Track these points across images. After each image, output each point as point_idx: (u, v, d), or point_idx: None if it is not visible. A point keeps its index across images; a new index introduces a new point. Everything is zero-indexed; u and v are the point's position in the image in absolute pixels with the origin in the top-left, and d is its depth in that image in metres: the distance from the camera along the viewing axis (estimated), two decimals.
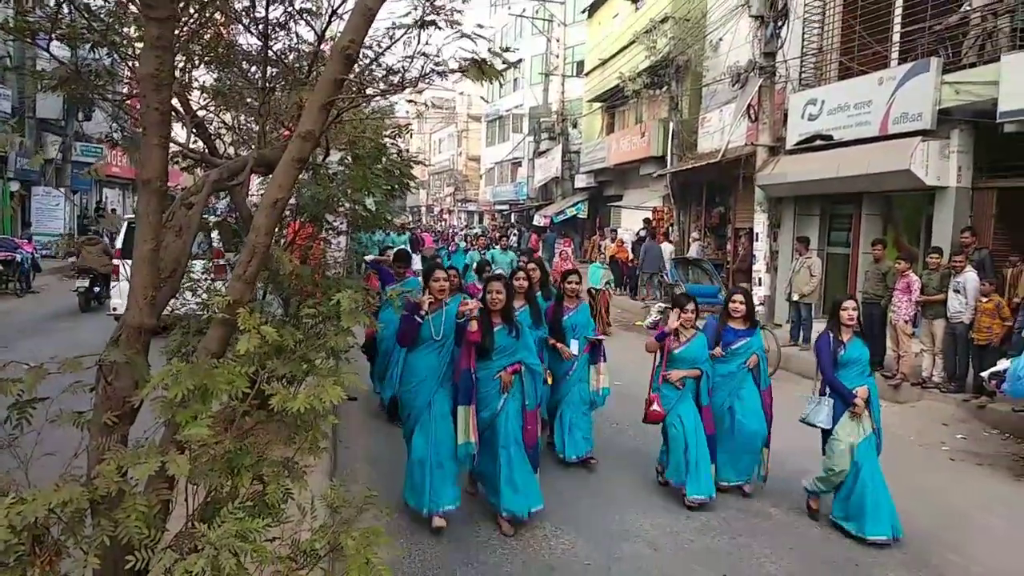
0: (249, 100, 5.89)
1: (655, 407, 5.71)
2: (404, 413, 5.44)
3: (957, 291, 9.08)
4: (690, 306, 5.86)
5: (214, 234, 7.31)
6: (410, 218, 42.15)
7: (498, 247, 16.98)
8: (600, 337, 6.81)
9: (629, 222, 23.61)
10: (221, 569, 1.78)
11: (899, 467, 7.04)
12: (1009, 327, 8.66)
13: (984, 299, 8.76)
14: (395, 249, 9.16)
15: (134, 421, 2.38)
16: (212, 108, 6.05)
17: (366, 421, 7.70)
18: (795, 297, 12.02)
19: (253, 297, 6.17)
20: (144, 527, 1.91)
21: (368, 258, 9.61)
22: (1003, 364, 7.20)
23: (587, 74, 28.06)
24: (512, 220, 39.28)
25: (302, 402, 2.08)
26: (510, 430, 5.20)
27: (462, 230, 38.70)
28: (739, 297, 6.10)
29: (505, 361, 5.21)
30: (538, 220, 31.06)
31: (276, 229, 7.66)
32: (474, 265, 10.71)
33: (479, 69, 3.08)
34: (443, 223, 48.97)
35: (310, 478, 5.04)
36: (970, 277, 9.00)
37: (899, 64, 11.73)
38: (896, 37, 12.13)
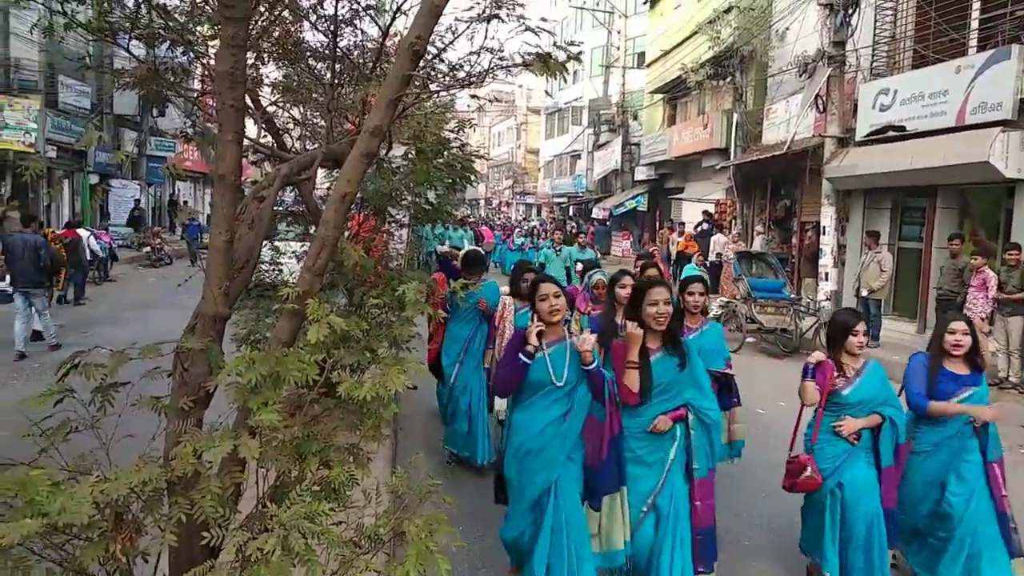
0: (316, 96, 6.02)
1: (809, 473, 3.92)
2: (512, 502, 3.77)
3: None
4: (697, 287, 4.72)
5: None
6: (469, 211, 42.36)
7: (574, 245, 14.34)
8: (730, 371, 4.76)
9: (690, 215, 23.26)
10: (291, 549, 1.85)
11: None
12: None
13: None
14: (464, 251, 7.66)
15: (208, 406, 2.48)
16: (281, 104, 6.22)
17: (425, 411, 7.81)
18: (864, 293, 11.69)
19: (322, 288, 6.35)
20: (218, 507, 2.00)
21: (441, 248, 9.20)
22: None
23: (648, 65, 27.72)
24: (570, 213, 39.13)
25: (368, 390, 2.14)
26: (678, 514, 3.56)
27: (521, 222, 38.18)
28: (960, 326, 4.06)
29: (666, 406, 3.61)
30: (597, 213, 30.89)
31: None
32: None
33: (544, 63, 3.09)
34: (501, 215, 49.05)
35: (372, 465, 5.17)
36: None
37: (978, 52, 11.24)
38: (975, 24, 11.63)
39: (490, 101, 4.25)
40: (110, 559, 1.94)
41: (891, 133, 12.56)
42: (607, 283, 5.50)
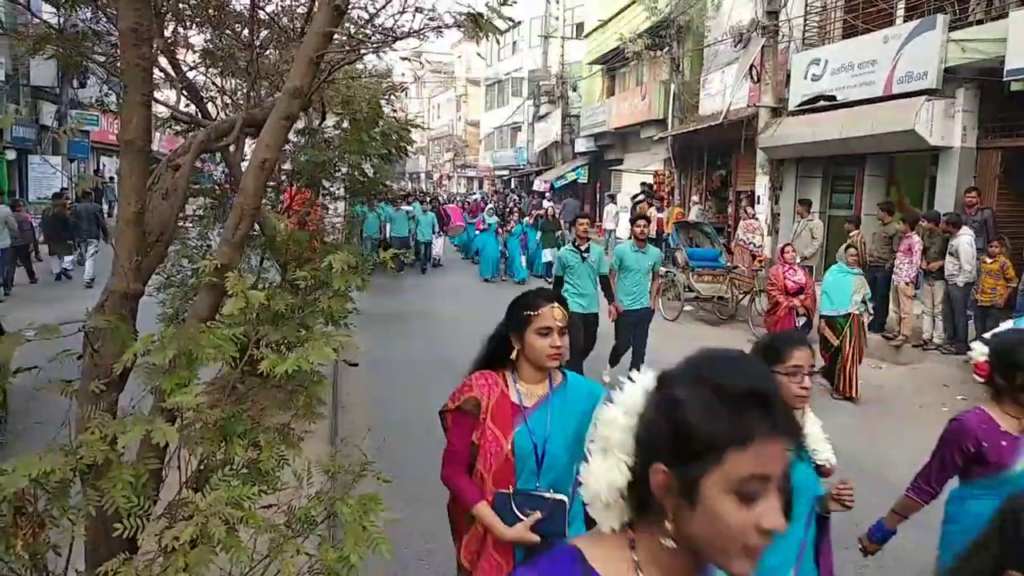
0: (241, 61, 5.76)
1: None
2: None
3: (951, 253, 9.01)
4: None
5: None
6: (409, 185, 41.71)
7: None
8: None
9: (630, 186, 23.41)
10: (211, 536, 1.74)
11: (898, 427, 7.07)
12: (1014, 288, 8.59)
13: (988, 260, 8.68)
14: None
15: (123, 389, 2.33)
16: (205, 71, 5.92)
17: (368, 388, 7.68)
18: (797, 260, 11.94)
19: (248, 263, 6.12)
20: (132, 496, 1.87)
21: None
22: (1006, 325, 7.15)
23: (587, 36, 27.62)
24: (512, 185, 38.99)
25: (290, 364, 2.02)
26: None
27: (493, 196, 35.29)
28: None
29: None
30: (538, 185, 30.83)
31: (274, 195, 7.59)
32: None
33: (475, 24, 2.97)
34: (443, 189, 48.50)
35: (309, 445, 5.03)
36: (963, 240, 8.91)
37: (905, 22, 11.50)
38: None
39: (421, 65, 4.09)
40: (13, 556, 1.80)
41: (822, 103, 12.80)
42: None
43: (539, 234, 17.58)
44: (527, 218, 19.06)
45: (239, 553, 1.85)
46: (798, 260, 11.84)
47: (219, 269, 2.29)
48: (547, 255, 16.87)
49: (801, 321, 7.85)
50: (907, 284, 9.58)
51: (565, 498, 2.40)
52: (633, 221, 8.10)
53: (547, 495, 2.38)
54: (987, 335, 7.55)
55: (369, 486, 2.61)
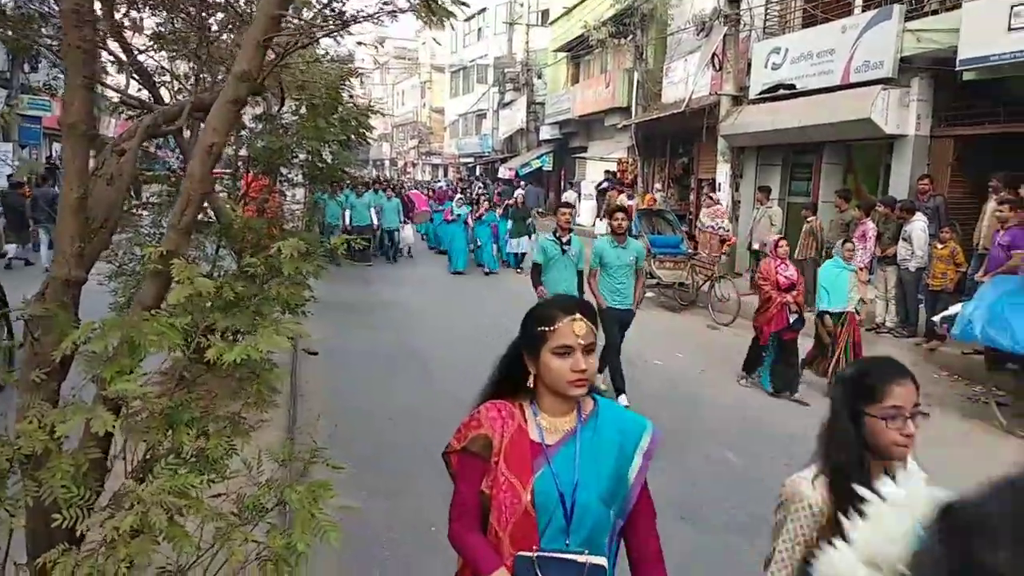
0: (193, 46, 5.64)
1: None
2: None
3: (904, 239, 9.22)
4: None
5: None
6: (374, 172, 41.29)
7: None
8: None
9: (594, 174, 23.49)
10: (152, 526, 1.71)
11: None
12: (963, 273, 8.82)
13: (940, 245, 8.89)
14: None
15: (65, 378, 2.28)
16: (156, 54, 5.79)
17: (328, 377, 7.63)
18: (756, 246, 12.14)
19: (204, 251, 6.02)
20: (72, 486, 1.84)
21: None
22: (955, 309, 7.36)
23: (552, 23, 27.58)
24: (477, 173, 38.87)
25: (238, 352, 2.00)
26: None
27: (457, 183, 34.15)
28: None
29: None
30: (503, 173, 30.77)
31: (231, 182, 7.46)
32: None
33: (428, 7, 2.94)
34: (407, 176, 48.13)
35: (264, 433, 5.00)
36: (916, 226, 9.13)
37: (862, 12, 11.68)
38: None
39: (377, 49, 4.05)
40: None
41: (782, 91, 12.96)
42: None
43: (509, 223, 17.12)
44: (498, 208, 18.29)
45: (183, 542, 1.83)
46: (756, 246, 12.08)
47: (165, 256, 2.25)
48: (515, 244, 16.71)
49: (793, 318, 7.44)
50: (861, 269, 9.77)
51: (603, 561, 1.89)
52: (610, 214, 7.51)
53: (580, 558, 1.86)
54: (936, 317, 7.78)
55: (325, 474, 2.60)
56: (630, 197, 17.87)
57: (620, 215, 7.21)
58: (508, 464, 1.91)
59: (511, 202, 18.28)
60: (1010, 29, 8.68)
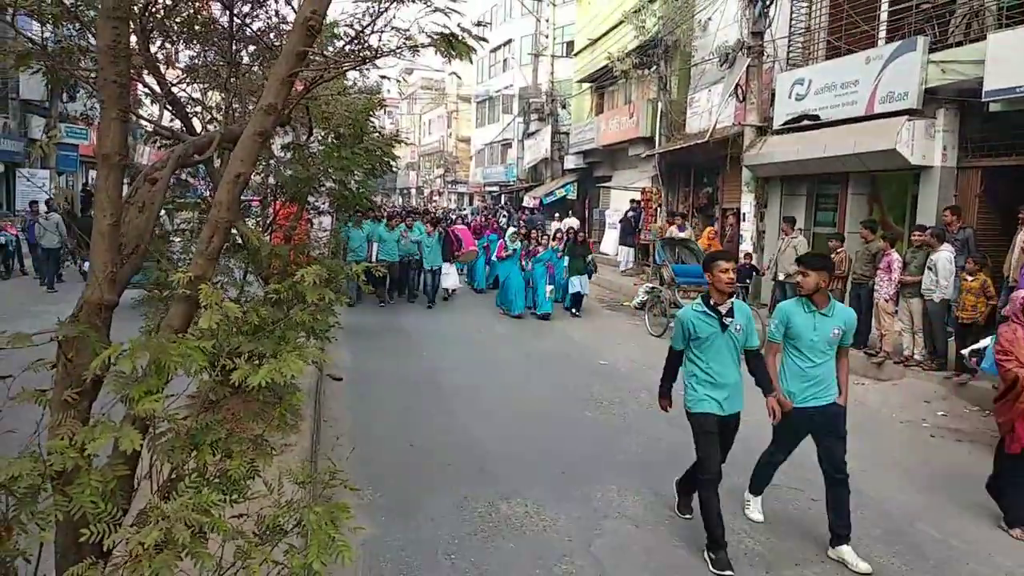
0: (227, 78, 5.83)
1: None
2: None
3: (930, 268, 9.10)
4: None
5: None
6: (400, 200, 41.69)
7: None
8: None
9: (618, 203, 23.56)
10: (176, 541, 1.77)
11: (880, 443, 7.13)
12: (994, 306, 8.69)
13: (969, 278, 8.78)
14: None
15: (96, 398, 2.36)
16: (188, 86, 5.99)
17: (353, 402, 7.69)
18: (780, 277, 12.06)
19: (231, 276, 6.16)
20: (100, 502, 1.90)
21: None
22: (984, 342, 7.25)
23: (576, 54, 27.88)
24: (502, 202, 39.16)
25: (263, 376, 2.06)
26: None
27: (503, 208, 31.69)
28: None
29: None
30: (528, 201, 30.97)
31: (260, 209, 7.62)
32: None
33: (448, 44, 3.04)
34: (433, 205, 48.60)
35: (288, 456, 5.07)
36: (942, 256, 9.00)
37: (886, 43, 11.69)
38: (884, 16, 12.08)
39: (402, 81, 4.17)
40: None
41: (806, 122, 12.96)
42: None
43: (566, 259, 14.76)
44: (555, 242, 15.54)
45: (203, 559, 1.88)
46: (781, 276, 12.00)
47: (192, 281, 2.33)
48: (576, 284, 14.46)
49: None
50: (887, 301, 9.68)
51: None
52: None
53: None
54: (964, 351, 7.68)
55: (346, 498, 2.65)
56: (681, 228, 16.06)
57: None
58: None
59: (567, 234, 16.22)
60: None
